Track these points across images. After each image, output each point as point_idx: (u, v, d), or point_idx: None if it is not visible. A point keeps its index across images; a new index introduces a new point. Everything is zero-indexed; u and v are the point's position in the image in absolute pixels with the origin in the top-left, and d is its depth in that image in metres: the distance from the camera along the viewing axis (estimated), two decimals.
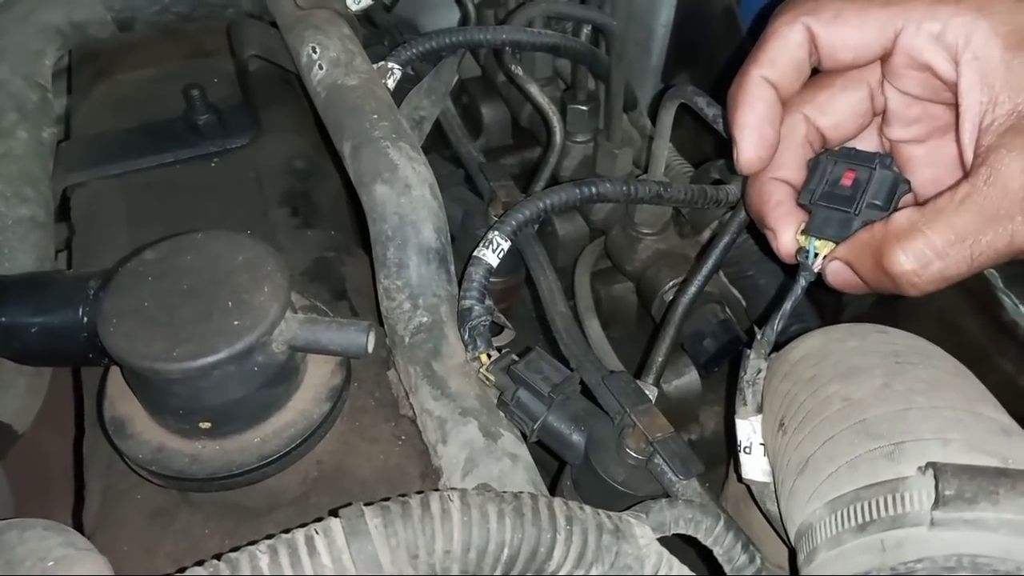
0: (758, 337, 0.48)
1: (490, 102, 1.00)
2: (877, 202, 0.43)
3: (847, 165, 0.45)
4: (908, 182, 0.44)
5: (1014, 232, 0.38)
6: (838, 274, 0.45)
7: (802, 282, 0.46)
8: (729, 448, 0.52)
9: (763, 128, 0.45)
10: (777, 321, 0.48)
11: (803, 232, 0.45)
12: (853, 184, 0.43)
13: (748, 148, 0.45)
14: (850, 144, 0.48)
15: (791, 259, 0.47)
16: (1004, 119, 0.39)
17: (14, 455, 0.70)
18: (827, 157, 0.46)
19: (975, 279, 0.92)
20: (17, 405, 0.67)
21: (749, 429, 0.48)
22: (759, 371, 0.48)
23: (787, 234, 0.46)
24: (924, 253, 0.39)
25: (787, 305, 0.47)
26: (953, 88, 0.41)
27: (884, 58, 0.43)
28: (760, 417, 0.48)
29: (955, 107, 0.41)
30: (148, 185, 0.71)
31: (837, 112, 0.46)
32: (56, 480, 0.78)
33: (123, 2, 0.77)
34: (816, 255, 0.45)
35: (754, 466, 0.48)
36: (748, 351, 0.48)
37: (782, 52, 0.43)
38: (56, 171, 0.72)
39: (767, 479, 0.48)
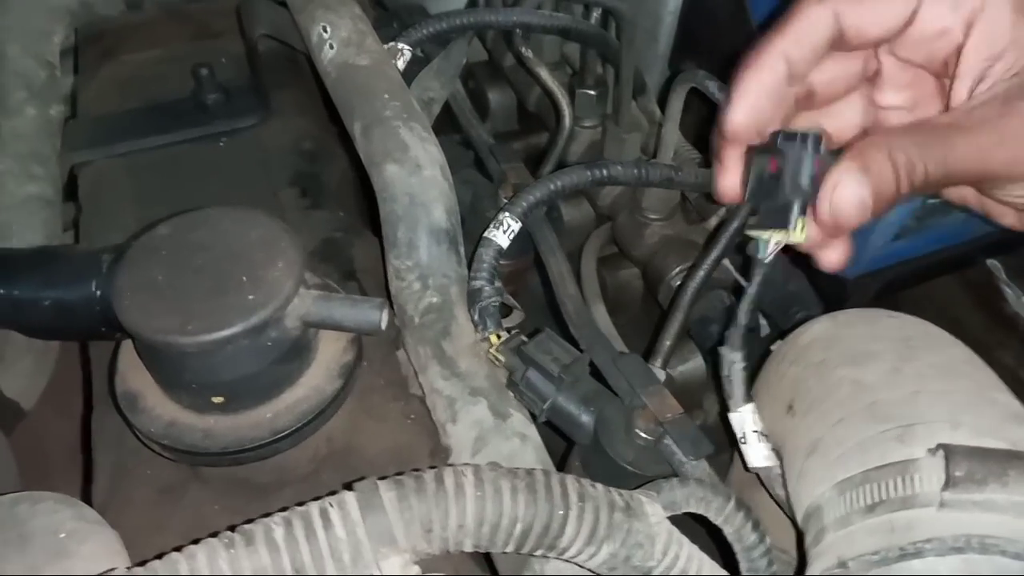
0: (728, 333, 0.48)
1: (497, 87, 1.00)
2: (802, 183, 0.41)
3: (771, 154, 0.43)
4: (831, 153, 0.43)
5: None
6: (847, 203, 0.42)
7: (758, 277, 0.46)
8: (731, 436, 0.52)
9: (761, 100, 0.44)
10: (743, 314, 0.47)
11: (750, 228, 0.44)
12: (777, 171, 0.42)
13: (739, 113, 0.44)
14: (836, 105, 0.48)
15: (725, 198, 0.46)
16: (1007, 76, 0.40)
17: (19, 432, 0.70)
18: (757, 150, 0.44)
19: (977, 271, 0.92)
20: (24, 383, 0.67)
21: (740, 420, 0.48)
22: (734, 363, 0.48)
23: (731, 174, 0.45)
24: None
25: (745, 303, 0.47)
26: (958, 52, 0.42)
27: (902, 29, 0.43)
28: (750, 406, 0.48)
29: (953, 66, 0.42)
30: (156, 164, 0.71)
31: (829, 70, 0.46)
32: (59, 458, 0.79)
33: None
34: (767, 243, 0.43)
35: (756, 454, 0.48)
36: (721, 348, 0.48)
37: (808, 33, 0.43)
38: (64, 149, 0.72)
39: (771, 463, 0.49)
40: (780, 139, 0.42)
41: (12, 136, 0.69)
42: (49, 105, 0.72)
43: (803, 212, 0.41)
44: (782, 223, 0.41)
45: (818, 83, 0.46)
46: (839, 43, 0.44)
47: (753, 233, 0.43)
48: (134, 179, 0.70)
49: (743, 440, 0.49)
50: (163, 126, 0.73)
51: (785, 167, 0.42)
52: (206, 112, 0.72)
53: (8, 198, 0.66)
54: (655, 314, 0.80)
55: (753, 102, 0.44)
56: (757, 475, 0.50)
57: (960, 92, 0.42)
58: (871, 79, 0.48)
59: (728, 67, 0.87)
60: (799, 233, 0.41)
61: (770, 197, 0.42)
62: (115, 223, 0.67)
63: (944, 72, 0.44)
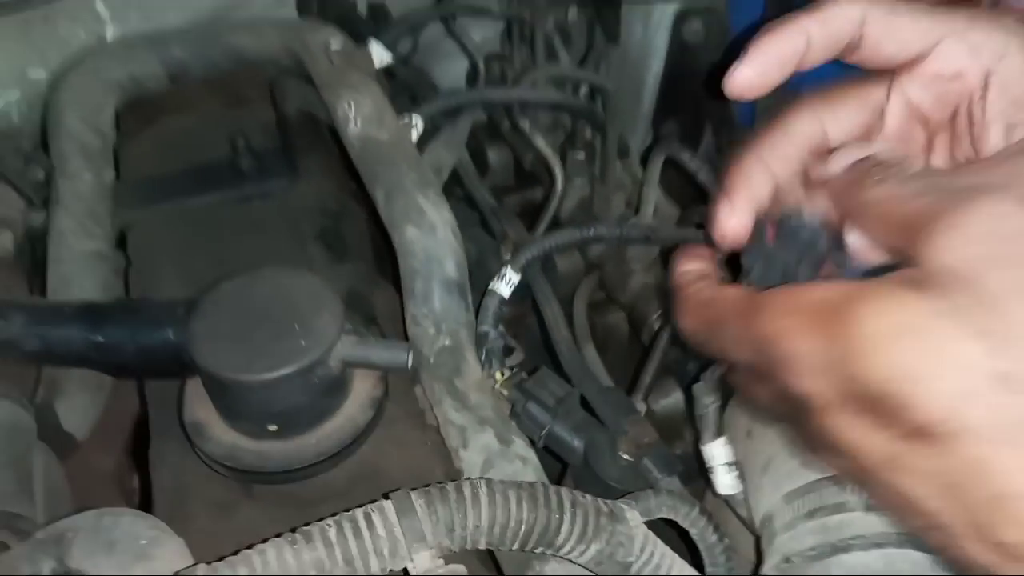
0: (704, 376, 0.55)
1: (495, 146, 1.09)
2: (801, 273, 0.42)
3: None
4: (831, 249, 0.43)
5: None
6: None
7: None
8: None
9: (772, 59, 0.42)
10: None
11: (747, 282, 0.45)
12: (776, 244, 0.43)
13: (746, 71, 0.43)
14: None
15: (726, 237, 0.45)
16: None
17: (70, 463, 0.78)
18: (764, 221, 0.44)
19: None
20: (79, 417, 0.75)
21: (710, 453, 0.57)
22: (707, 404, 0.55)
23: (738, 212, 0.45)
24: None
25: None
26: (970, 99, 0.42)
27: (915, 62, 0.43)
28: (720, 440, 0.57)
29: (970, 116, 0.42)
30: (197, 222, 0.80)
31: (845, 120, 0.45)
32: (102, 487, 0.86)
33: (177, 60, 0.87)
34: None
35: (723, 482, 0.57)
36: (695, 387, 0.55)
37: (837, 17, 0.43)
38: (114, 209, 0.81)
39: (736, 490, 0.57)
40: (782, 228, 0.43)
41: (72, 198, 0.78)
42: (103, 170, 0.81)
43: None
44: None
45: (833, 133, 0.45)
46: (855, 54, 0.44)
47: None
48: (177, 236, 0.79)
49: (711, 471, 0.57)
50: (202, 188, 0.82)
51: (786, 248, 0.42)
52: (241, 176, 0.82)
53: (69, 253, 0.75)
54: (640, 353, 0.89)
55: (764, 59, 0.43)
56: (727, 502, 0.59)
57: (992, 139, 0.41)
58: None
59: (705, 126, 0.98)
60: None
61: (769, 267, 0.43)
62: (162, 275, 0.76)
63: (944, 125, 0.44)
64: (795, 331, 0.37)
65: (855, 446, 0.36)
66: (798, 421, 0.39)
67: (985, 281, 0.32)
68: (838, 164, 0.42)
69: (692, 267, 0.47)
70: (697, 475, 0.61)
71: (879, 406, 0.34)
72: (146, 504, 0.64)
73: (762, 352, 0.39)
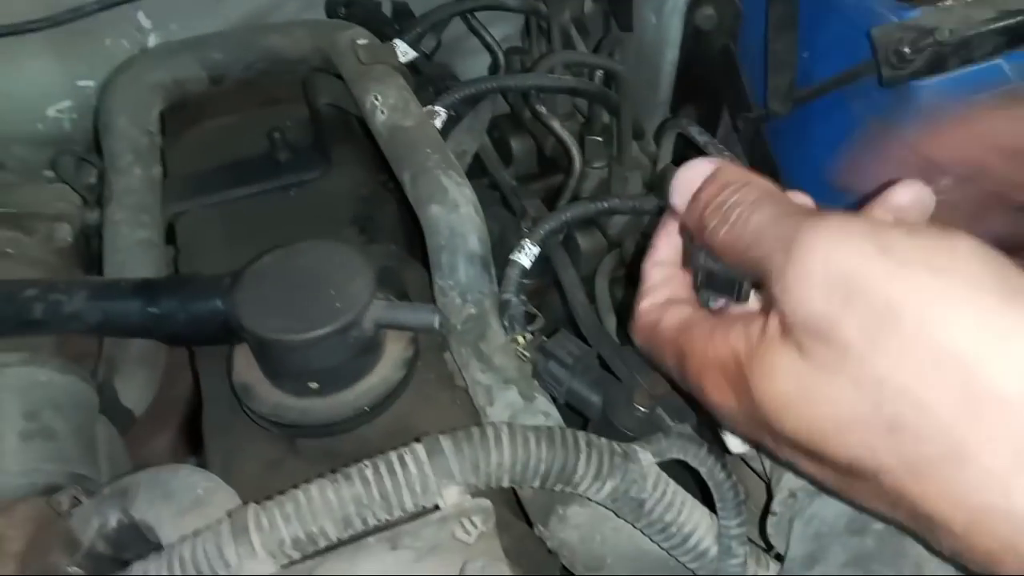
0: None
1: (518, 136, 1.13)
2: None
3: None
4: None
5: None
6: None
7: None
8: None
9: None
10: None
11: (701, 289, 0.49)
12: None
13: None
14: None
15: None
16: None
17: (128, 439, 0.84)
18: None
19: None
20: (137, 394, 0.81)
21: None
22: None
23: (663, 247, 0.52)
24: None
25: None
26: None
27: None
28: None
29: None
30: (239, 212, 0.86)
31: None
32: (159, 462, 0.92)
33: (216, 62, 0.93)
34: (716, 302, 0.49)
35: (733, 443, 0.60)
36: None
37: None
38: (163, 202, 0.87)
39: (745, 448, 0.60)
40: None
41: (124, 192, 0.84)
42: (151, 166, 0.87)
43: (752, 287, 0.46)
44: (732, 294, 0.47)
45: None
46: None
47: (703, 294, 0.49)
48: (221, 225, 0.85)
49: (722, 432, 0.61)
50: (243, 180, 0.87)
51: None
52: (278, 167, 0.87)
53: (123, 241, 0.81)
54: None
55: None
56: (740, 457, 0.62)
57: None
58: None
59: (720, 108, 1.01)
60: (748, 301, 0.47)
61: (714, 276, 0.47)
62: (208, 262, 0.82)
63: None
64: (713, 388, 0.43)
65: (809, 473, 0.42)
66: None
67: (839, 333, 0.35)
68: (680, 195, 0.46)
69: (660, 259, 0.52)
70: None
71: (807, 451, 0.39)
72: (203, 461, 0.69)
73: (694, 393, 0.46)
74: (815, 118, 0.98)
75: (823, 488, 0.43)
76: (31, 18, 0.99)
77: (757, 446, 0.45)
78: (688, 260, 0.50)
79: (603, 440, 0.53)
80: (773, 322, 0.39)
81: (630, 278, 0.92)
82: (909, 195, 0.44)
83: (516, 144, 1.13)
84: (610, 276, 0.97)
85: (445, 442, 0.50)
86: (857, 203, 0.47)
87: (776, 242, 0.39)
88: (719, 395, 0.43)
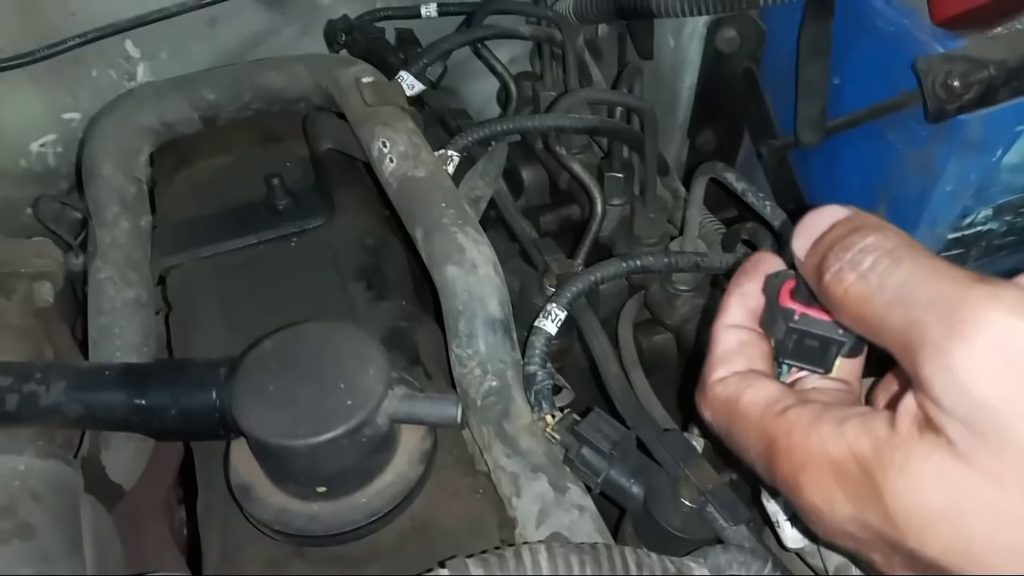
0: None
1: (529, 165, 1.07)
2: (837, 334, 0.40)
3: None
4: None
5: None
6: None
7: None
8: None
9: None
10: None
11: (784, 358, 0.43)
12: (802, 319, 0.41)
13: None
14: None
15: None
16: None
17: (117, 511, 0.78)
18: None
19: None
20: (126, 468, 0.75)
21: (773, 508, 0.53)
22: None
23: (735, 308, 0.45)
24: None
25: None
26: None
27: None
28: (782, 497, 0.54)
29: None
30: (235, 265, 0.80)
31: None
32: (150, 535, 0.86)
33: (209, 103, 0.86)
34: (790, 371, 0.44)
35: (790, 536, 0.54)
36: None
37: None
38: (153, 255, 0.81)
39: (803, 543, 0.54)
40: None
41: (110, 246, 0.77)
42: (140, 216, 0.80)
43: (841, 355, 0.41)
44: (819, 364, 0.42)
45: None
46: None
47: (783, 364, 0.43)
48: (217, 279, 0.79)
49: (777, 525, 0.54)
50: (240, 230, 0.81)
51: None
52: (278, 215, 0.81)
53: (109, 303, 0.74)
54: (690, 374, 0.86)
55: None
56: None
57: None
58: None
59: (740, 132, 0.94)
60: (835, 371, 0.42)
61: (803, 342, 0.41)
62: (202, 319, 0.75)
63: None
64: (817, 490, 0.35)
65: None
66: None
67: (1016, 431, 0.29)
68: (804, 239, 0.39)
69: (734, 322, 0.44)
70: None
71: (929, 568, 0.32)
72: (195, 555, 0.63)
73: (782, 488, 0.38)
74: (846, 147, 0.92)
75: None
76: (14, 52, 0.92)
77: (852, 556, 0.38)
78: (767, 323, 0.43)
79: (654, 557, 0.46)
80: (906, 415, 0.32)
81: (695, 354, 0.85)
82: None
83: (527, 173, 1.07)
84: (634, 321, 0.91)
85: (475, 570, 0.44)
86: None
87: (932, 307, 0.31)
88: (822, 498, 0.35)
